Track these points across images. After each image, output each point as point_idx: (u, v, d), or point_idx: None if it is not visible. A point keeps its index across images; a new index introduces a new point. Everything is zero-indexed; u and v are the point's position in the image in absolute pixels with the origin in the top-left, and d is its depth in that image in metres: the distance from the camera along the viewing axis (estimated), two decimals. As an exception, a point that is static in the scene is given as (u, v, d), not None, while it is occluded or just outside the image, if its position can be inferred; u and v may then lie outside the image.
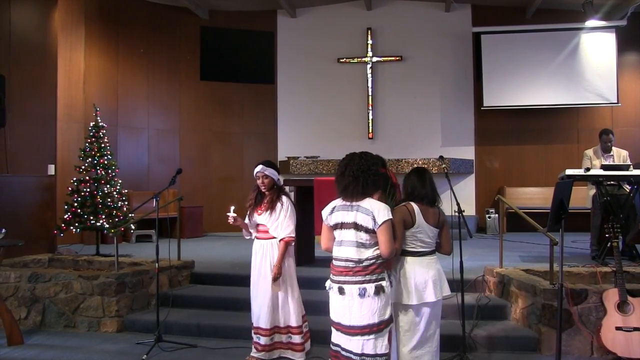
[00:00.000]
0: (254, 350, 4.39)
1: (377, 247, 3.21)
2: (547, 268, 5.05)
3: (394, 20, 11.03)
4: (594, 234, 6.58)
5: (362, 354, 3.19)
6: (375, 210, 3.18)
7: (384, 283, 3.21)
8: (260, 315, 4.34)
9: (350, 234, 3.23)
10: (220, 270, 6.47)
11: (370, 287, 3.16)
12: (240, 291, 5.80)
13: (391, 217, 3.22)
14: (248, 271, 5.96)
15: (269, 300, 4.32)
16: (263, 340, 4.33)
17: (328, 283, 3.36)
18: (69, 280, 5.50)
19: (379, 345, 3.19)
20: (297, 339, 4.39)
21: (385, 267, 3.27)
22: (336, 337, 3.32)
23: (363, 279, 3.18)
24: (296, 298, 4.43)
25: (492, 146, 10.89)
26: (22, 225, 6.74)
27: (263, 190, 4.39)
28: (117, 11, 10.11)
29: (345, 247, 3.25)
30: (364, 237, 3.20)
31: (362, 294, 3.16)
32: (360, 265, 3.19)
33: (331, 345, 3.37)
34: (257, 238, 4.47)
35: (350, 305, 3.20)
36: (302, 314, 4.48)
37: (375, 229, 3.17)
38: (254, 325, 4.41)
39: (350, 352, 3.22)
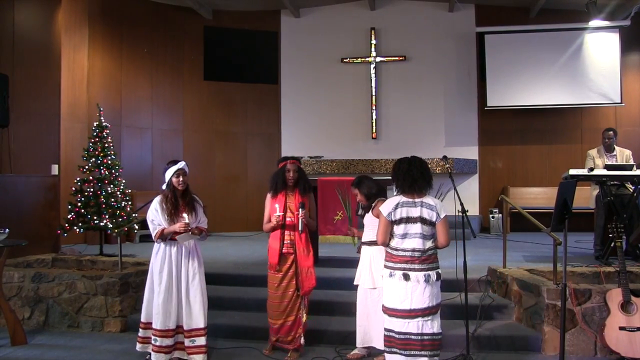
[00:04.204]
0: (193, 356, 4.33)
1: (433, 239, 3.69)
2: (550, 268, 5.04)
3: (397, 20, 11.03)
4: (597, 233, 6.57)
5: (422, 333, 3.60)
6: (437, 206, 3.70)
7: (440, 270, 3.72)
8: (199, 315, 4.33)
9: (416, 227, 3.66)
10: (224, 270, 6.45)
11: (433, 274, 3.65)
12: (244, 291, 5.81)
13: (446, 212, 3.70)
14: (251, 271, 5.96)
15: (203, 298, 4.39)
16: (203, 341, 4.33)
17: (387, 271, 3.72)
18: (73, 280, 5.50)
19: (436, 325, 3.66)
20: (202, 340, 4.35)
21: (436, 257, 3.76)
22: (389, 323, 3.69)
23: (428, 266, 3.65)
24: (205, 297, 4.46)
25: (496, 146, 10.88)
26: (25, 225, 6.75)
27: (181, 189, 4.35)
28: (120, 11, 10.12)
29: (410, 239, 3.66)
30: (427, 229, 3.67)
31: (427, 279, 3.61)
32: (425, 254, 3.65)
33: (384, 332, 3.74)
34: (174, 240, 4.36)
35: (414, 290, 3.61)
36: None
37: (437, 222, 3.65)
38: (193, 327, 4.33)
39: (409, 333, 3.61)
